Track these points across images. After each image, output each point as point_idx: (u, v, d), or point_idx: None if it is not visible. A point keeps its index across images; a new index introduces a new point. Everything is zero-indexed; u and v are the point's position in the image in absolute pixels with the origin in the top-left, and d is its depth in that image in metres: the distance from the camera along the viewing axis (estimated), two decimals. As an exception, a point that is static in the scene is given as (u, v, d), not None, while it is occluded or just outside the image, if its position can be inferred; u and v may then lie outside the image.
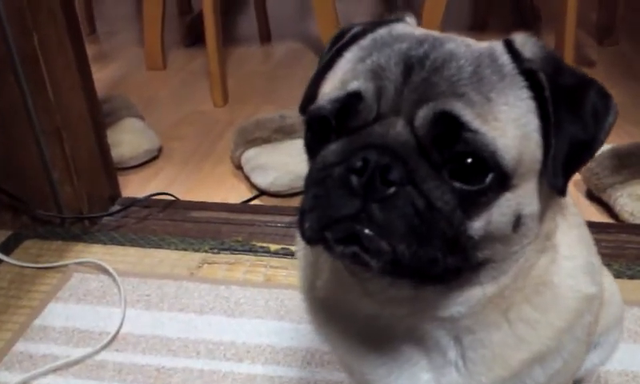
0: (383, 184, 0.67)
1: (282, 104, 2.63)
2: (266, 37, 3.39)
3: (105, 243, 1.83)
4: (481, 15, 3.46)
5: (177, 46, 3.31)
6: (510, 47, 0.74)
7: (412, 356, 0.85)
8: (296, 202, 2.16)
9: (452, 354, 0.83)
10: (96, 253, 1.79)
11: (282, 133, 2.21)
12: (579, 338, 0.86)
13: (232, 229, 1.89)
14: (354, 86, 0.72)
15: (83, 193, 1.88)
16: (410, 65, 0.71)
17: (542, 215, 0.76)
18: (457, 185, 0.68)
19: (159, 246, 1.82)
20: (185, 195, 2.09)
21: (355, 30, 0.81)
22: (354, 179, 0.68)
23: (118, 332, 1.51)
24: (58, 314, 1.57)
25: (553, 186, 0.73)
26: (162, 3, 2.97)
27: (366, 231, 0.68)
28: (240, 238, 1.83)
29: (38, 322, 1.55)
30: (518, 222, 0.73)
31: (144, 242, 1.83)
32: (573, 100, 0.72)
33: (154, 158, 2.35)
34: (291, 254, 1.75)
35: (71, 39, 1.76)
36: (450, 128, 0.68)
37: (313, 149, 0.76)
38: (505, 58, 0.73)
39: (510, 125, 0.70)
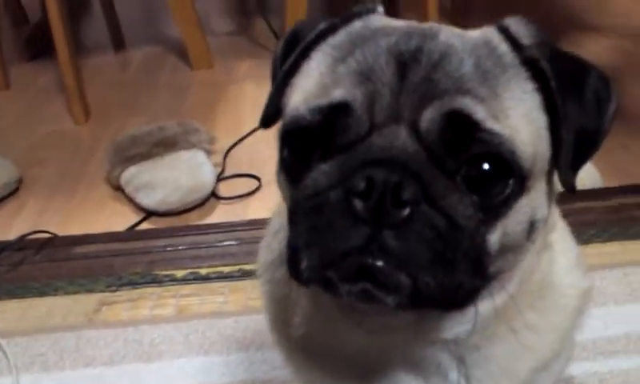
0: (395, 206, 0.57)
1: (151, 115, 2.43)
2: (119, 43, 3.12)
3: (-25, 301, 1.54)
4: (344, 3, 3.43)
5: (17, 61, 2.94)
6: (507, 34, 0.66)
7: None
8: (190, 218, 1.98)
9: (454, 375, 0.75)
10: (-34, 314, 1.50)
11: (162, 146, 2.02)
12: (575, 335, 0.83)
13: (127, 260, 1.67)
14: (338, 95, 0.61)
15: (-62, 245, 1.58)
16: (403, 62, 0.62)
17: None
18: (476, 196, 0.60)
19: (44, 294, 1.56)
20: (61, 229, 1.84)
21: (322, 25, 0.69)
22: (359, 204, 0.58)
23: (13, 407, 1.27)
24: None
25: (565, 183, 0.66)
26: (-5, 14, 2.63)
27: (380, 264, 0.58)
28: (139, 270, 1.63)
29: None
30: (531, 228, 0.66)
31: (24, 291, 1.57)
32: (575, 88, 0.66)
33: (15, 191, 2.05)
34: (202, 279, 1.59)
35: None
36: (461, 129, 0.59)
37: (294, 171, 0.65)
38: (503, 47, 0.66)
39: (521, 121, 0.63)
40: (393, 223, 0.57)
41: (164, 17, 3.32)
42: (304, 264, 0.61)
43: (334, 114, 0.61)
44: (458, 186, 0.60)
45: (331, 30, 0.69)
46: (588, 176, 1.82)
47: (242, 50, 2.99)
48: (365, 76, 0.62)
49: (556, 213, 0.78)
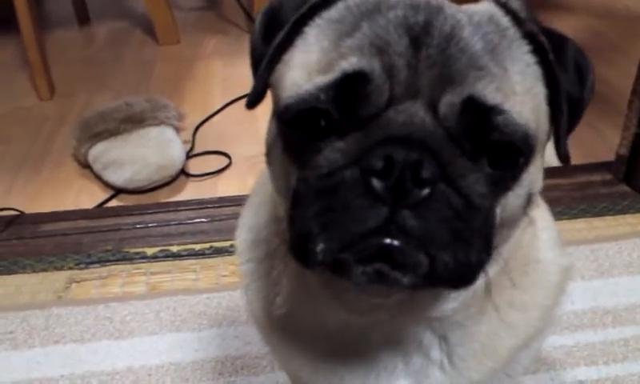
0: (415, 185, 0.56)
1: (117, 91, 2.40)
2: (83, 18, 3.05)
3: (-59, 279, 1.52)
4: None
5: (-23, 35, 2.86)
6: (507, 8, 0.65)
7: (388, 363, 0.76)
8: (159, 196, 1.96)
9: (436, 353, 0.75)
10: None
11: (130, 122, 2.00)
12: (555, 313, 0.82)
13: (96, 238, 1.66)
14: (353, 63, 0.58)
15: None
16: (415, 35, 0.59)
17: None
18: (489, 175, 0.59)
19: (12, 272, 1.55)
20: (28, 207, 1.82)
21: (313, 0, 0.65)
22: (378, 183, 0.56)
23: (-17, 385, 1.26)
24: None
25: (562, 155, 0.67)
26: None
27: (399, 244, 0.56)
28: (109, 247, 1.62)
29: None
30: (528, 201, 0.66)
31: (-9, 269, 1.55)
32: (562, 60, 0.66)
33: (-21, 169, 2.02)
34: (173, 256, 1.59)
35: None
36: (479, 115, 0.58)
37: (299, 151, 0.61)
38: (505, 21, 0.64)
39: (527, 96, 0.62)
40: (412, 203, 0.56)
41: (129, -10, 3.26)
42: (320, 247, 0.58)
43: (349, 86, 0.59)
44: (473, 165, 0.59)
45: (324, 5, 0.65)
46: (554, 153, 1.85)
47: (209, 26, 2.95)
48: (378, 48, 0.59)
49: None
